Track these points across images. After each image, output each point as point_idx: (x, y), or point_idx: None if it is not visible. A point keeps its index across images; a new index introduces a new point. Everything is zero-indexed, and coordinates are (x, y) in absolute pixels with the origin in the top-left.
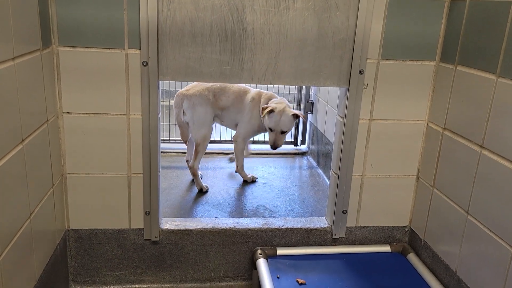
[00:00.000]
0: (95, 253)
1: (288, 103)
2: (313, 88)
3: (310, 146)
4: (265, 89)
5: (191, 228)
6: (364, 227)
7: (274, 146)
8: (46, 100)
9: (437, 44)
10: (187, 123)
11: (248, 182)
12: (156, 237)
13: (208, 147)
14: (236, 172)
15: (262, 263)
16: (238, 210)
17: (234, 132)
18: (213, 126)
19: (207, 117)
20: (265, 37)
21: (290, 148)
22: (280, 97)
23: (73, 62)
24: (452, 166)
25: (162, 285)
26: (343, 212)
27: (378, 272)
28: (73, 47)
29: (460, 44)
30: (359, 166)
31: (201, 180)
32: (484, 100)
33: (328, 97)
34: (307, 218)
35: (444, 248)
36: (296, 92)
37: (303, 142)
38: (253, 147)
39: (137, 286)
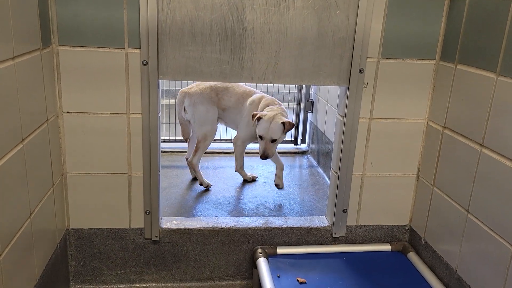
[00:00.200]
0: (95, 253)
1: (284, 112)
2: (313, 87)
3: (310, 145)
4: (267, 89)
5: (191, 227)
6: (364, 226)
7: (263, 156)
8: (46, 100)
9: (437, 43)
10: (188, 121)
11: (249, 181)
12: (156, 236)
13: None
14: (235, 171)
15: (262, 262)
16: (239, 209)
17: (235, 132)
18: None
19: (208, 115)
20: (265, 36)
21: (290, 147)
22: (279, 105)
23: (73, 62)
24: (452, 165)
25: (163, 284)
26: (343, 211)
27: (379, 271)
28: (73, 46)
29: (460, 42)
30: (359, 165)
31: (202, 176)
32: (484, 98)
33: (328, 96)
34: (307, 217)
35: (444, 246)
36: (296, 91)
37: (303, 141)
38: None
39: (138, 285)
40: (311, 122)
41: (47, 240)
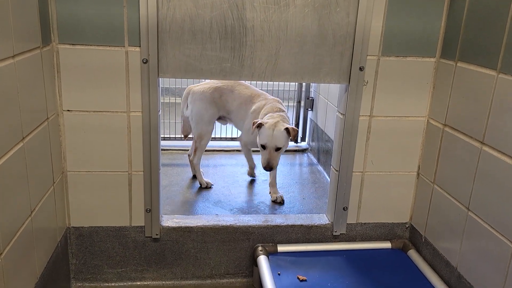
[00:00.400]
0: (96, 251)
1: (286, 119)
2: (313, 84)
3: (311, 143)
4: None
5: (191, 225)
6: (364, 223)
7: (268, 167)
8: (46, 98)
9: (438, 41)
10: (187, 117)
11: (249, 179)
12: (157, 234)
13: (208, 144)
14: (249, 175)
15: (263, 260)
16: (239, 207)
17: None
18: (215, 125)
19: (205, 115)
20: (265, 34)
21: (290, 145)
22: (279, 112)
23: (73, 60)
24: (452, 163)
25: (163, 282)
26: (343, 208)
27: (379, 269)
28: (73, 44)
29: (461, 40)
30: (359, 163)
31: (202, 177)
32: (485, 96)
33: (328, 94)
34: (308, 215)
35: (444, 244)
36: (296, 89)
37: (303, 139)
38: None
39: (138, 283)
40: (311, 120)
41: (48, 238)
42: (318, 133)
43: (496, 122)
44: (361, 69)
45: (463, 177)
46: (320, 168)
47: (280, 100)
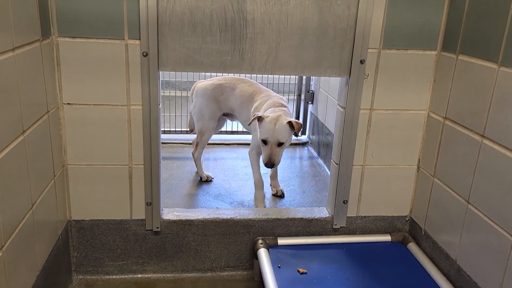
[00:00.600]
0: (97, 244)
1: (288, 114)
2: (313, 78)
3: (311, 137)
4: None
5: (192, 218)
6: (364, 217)
7: (270, 163)
8: (46, 91)
9: (439, 33)
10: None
11: (249, 172)
12: (157, 227)
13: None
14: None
15: (263, 253)
16: (239, 200)
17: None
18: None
19: (205, 111)
20: (265, 27)
21: None
22: (281, 107)
23: (73, 53)
24: (453, 156)
25: (164, 275)
26: (343, 202)
27: (379, 262)
28: (72, 37)
29: (462, 33)
30: (359, 156)
31: (202, 170)
32: (486, 89)
33: (328, 87)
34: (308, 208)
35: (444, 237)
36: (296, 82)
37: (303, 133)
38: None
39: (139, 276)
40: (311, 113)
41: (49, 232)
42: (318, 127)
43: (496, 115)
44: (361, 62)
45: (463, 170)
46: (320, 161)
47: (284, 98)
